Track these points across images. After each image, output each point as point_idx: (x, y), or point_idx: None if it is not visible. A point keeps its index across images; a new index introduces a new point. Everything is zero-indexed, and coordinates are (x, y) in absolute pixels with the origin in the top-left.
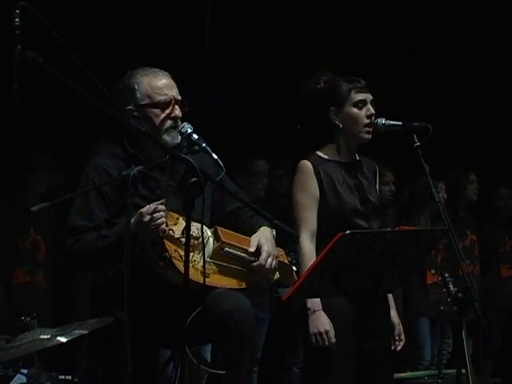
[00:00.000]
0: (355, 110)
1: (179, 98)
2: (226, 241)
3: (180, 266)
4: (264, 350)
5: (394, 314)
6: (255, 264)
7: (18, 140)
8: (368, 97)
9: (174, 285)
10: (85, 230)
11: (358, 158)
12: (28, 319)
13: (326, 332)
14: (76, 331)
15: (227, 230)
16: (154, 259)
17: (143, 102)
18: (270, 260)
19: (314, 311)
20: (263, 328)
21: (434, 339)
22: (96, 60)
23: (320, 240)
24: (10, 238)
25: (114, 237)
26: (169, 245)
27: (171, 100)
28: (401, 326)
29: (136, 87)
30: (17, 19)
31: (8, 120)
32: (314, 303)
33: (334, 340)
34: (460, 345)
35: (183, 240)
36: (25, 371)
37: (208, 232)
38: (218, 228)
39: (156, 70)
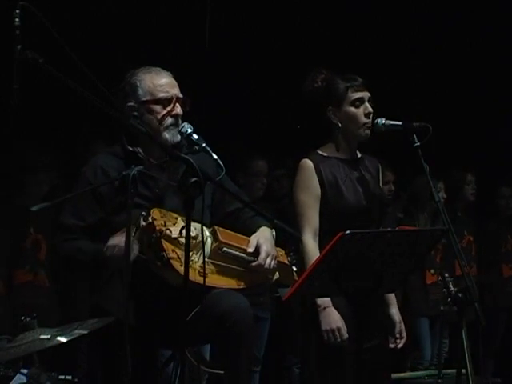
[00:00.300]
0: (353, 109)
1: (181, 96)
2: (224, 241)
3: (177, 265)
4: (264, 350)
5: (395, 311)
6: (254, 264)
7: (18, 140)
8: (365, 95)
9: (172, 285)
10: (74, 228)
11: (359, 155)
12: (28, 319)
13: (339, 329)
14: (76, 331)
15: (226, 230)
16: (152, 259)
17: (144, 99)
18: (268, 260)
19: (325, 308)
20: (265, 327)
21: (434, 339)
22: (96, 60)
23: (322, 238)
24: (11, 238)
25: (89, 256)
26: (166, 244)
27: (172, 97)
28: (402, 324)
29: (138, 84)
30: (17, 19)
31: (8, 120)
32: (324, 300)
33: (346, 336)
34: (460, 345)
35: (181, 240)
36: (25, 371)
37: (206, 232)
38: (217, 228)
39: (158, 68)
